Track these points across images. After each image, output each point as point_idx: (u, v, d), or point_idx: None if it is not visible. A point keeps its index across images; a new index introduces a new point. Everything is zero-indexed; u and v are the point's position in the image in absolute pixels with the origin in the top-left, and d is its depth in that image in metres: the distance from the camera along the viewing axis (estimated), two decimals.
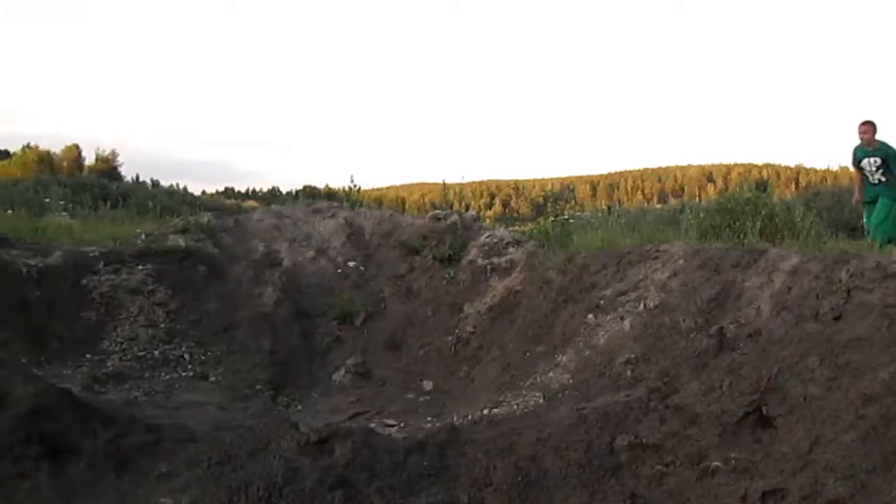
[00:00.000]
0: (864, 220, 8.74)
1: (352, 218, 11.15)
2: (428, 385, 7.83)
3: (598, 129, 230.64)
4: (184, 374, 7.22)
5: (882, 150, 8.28)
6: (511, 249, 9.45)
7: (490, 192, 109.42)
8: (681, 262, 6.93)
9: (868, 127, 8.35)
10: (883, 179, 8.32)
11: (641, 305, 6.69)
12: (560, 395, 5.94)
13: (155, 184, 36.22)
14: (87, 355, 7.08)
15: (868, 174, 8.43)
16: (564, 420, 4.88)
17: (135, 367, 7.07)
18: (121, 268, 8.17)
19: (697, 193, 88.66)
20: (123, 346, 7.36)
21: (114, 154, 42.77)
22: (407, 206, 48.79)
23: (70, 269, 7.86)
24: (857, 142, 8.52)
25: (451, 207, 13.18)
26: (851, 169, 8.89)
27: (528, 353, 7.36)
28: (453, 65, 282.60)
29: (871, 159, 8.33)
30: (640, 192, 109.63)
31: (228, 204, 30.01)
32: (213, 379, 7.25)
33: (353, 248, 10.41)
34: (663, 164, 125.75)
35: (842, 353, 4.42)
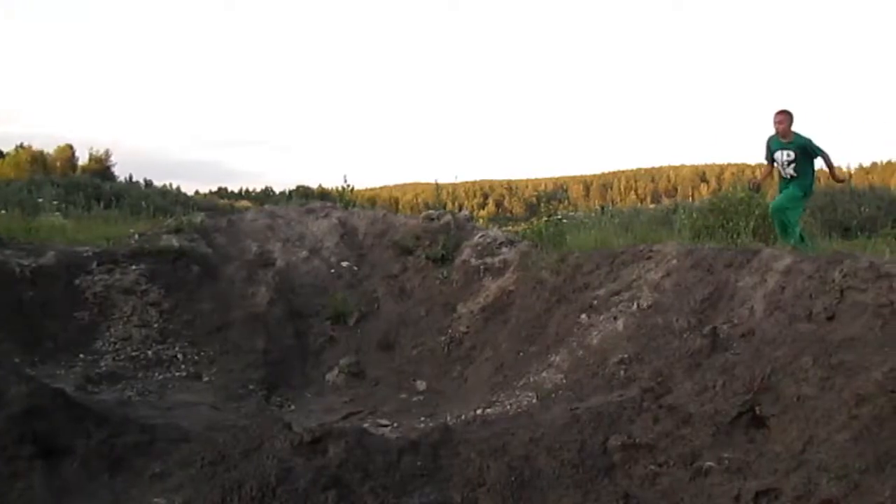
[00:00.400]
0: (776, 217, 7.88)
1: (345, 218, 11.16)
2: (421, 385, 7.83)
3: (592, 129, 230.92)
4: (177, 374, 7.21)
5: (796, 142, 7.59)
6: (504, 249, 9.46)
7: (483, 192, 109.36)
8: (674, 262, 6.95)
9: (784, 116, 7.62)
10: (795, 175, 7.65)
11: (635, 305, 6.71)
12: (553, 395, 5.95)
13: (148, 184, 36.14)
14: (81, 355, 7.06)
15: (780, 168, 7.79)
16: (558, 420, 4.89)
17: (128, 367, 7.06)
18: (114, 268, 8.16)
19: (691, 193, 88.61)
20: (117, 346, 7.34)
21: (107, 154, 42.94)
22: (400, 207, 48.77)
23: (63, 269, 7.83)
24: (772, 132, 7.79)
25: (445, 207, 13.14)
26: (764, 162, 8.05)
27: (521, 353, 7.36)
28: (447, 65, 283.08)
29: (785, 152, 7.64)
30: (633, 192, 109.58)
31: (222, 204, 29.94)
32: (206, 379, 7.23)
33: (346, 248, 10.41)
34: (656, 164, 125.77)
35: (835, 352, 4.44)
